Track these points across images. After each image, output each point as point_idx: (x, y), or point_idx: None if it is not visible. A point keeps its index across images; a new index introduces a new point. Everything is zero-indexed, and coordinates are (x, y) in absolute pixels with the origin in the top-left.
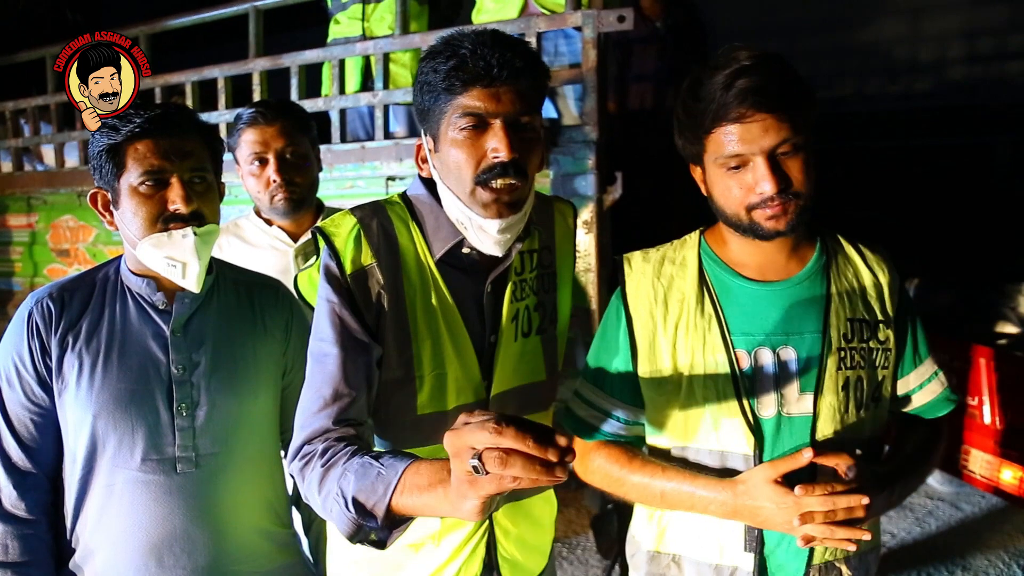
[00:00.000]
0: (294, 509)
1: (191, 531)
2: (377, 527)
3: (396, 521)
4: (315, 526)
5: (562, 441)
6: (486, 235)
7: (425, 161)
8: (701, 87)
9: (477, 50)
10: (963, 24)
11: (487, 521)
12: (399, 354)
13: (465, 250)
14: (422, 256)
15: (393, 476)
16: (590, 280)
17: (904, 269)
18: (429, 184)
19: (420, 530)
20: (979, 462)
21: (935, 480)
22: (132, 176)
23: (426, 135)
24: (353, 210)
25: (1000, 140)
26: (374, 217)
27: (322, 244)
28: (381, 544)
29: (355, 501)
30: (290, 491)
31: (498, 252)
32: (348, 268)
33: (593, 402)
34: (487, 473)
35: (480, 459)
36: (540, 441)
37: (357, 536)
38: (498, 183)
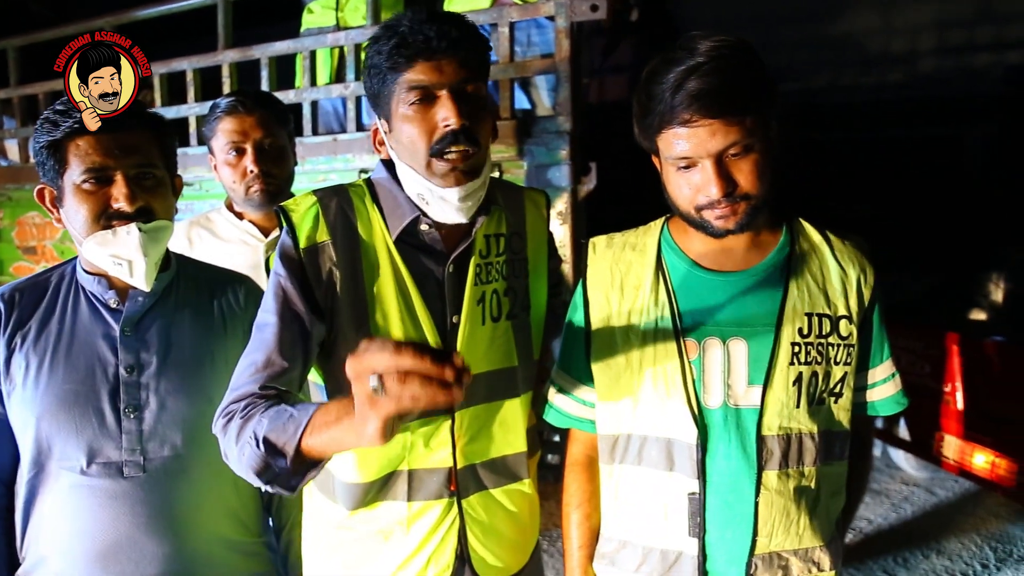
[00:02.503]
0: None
1: (138, 538)
2: (287, 468)
3: (307, 464)
4: (285, 533)
5: (458, 361)
6: (448, 204)
7: (382, 144)
8: (654, 82)
9: (415, 26)
10: (933, 16)
11: (456, 507)
12: (356, 330)
13: (423, 227)
14: (381, 236)
15: (304, 417)
16: (565, 271)
17: (877, 258)
18: (390, 166)
19: (388, 517)
20: (952, 447)
21: (910, 466)
22: (74, 174)
23: (380, 118)
24: (316, 191)
25: (970, 131)
26: (334, 197)
27: (283, 222)
28: (291, 489)
29: (266, 440)
30: (264, 498)
31: (462, 219)
32: (302, 243)
33: (562, 387)
34: (386, 393)
35: (380, 380)
36: (437, 361)
37: (265, 475)
38: (452, 152)
